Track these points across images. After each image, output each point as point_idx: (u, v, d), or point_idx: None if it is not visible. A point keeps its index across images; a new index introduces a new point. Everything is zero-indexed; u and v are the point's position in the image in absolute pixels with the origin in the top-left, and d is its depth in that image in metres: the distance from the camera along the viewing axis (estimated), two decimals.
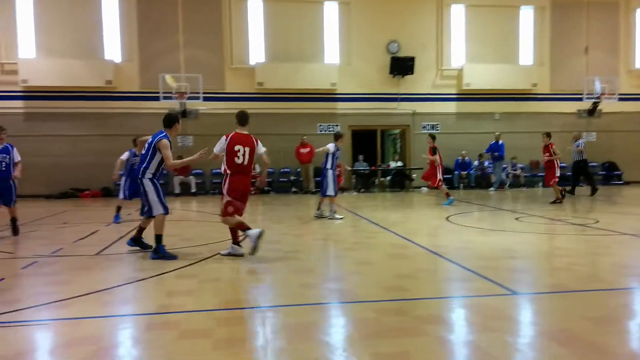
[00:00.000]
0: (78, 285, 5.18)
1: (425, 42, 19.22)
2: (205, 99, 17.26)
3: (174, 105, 17.42)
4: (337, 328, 3.90)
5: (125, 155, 10.28)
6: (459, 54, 19.69)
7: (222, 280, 5.41)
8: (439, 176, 12.88)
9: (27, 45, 17.20)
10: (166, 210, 6.77)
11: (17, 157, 8.63)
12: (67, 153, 17.16)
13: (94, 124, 17.30)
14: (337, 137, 10.55)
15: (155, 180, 6.72)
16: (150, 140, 6.78)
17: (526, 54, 20.16)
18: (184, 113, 17.75)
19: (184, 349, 3.44)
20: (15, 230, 8.56)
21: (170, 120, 6.80)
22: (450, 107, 19.60)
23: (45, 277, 5.72)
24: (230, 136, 6.49)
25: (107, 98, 17.39)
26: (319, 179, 12.89)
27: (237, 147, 6.43)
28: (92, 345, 3.53)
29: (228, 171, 6.49)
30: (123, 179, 10.38)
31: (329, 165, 10.35)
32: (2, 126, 8.58)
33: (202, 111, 17.96)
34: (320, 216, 10.47)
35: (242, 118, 6.67)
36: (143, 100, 17.49)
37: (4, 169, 8.44)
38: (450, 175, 19.06)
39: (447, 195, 12.96)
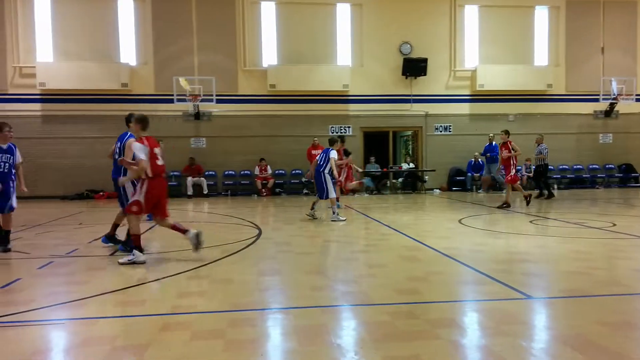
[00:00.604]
0: (93, 286, 5.24)
1: (438, 43, 19.14)
2: (218, 101, 17.37)
3: (187, 107, 17.58)
4: (349, 331, 3.89)
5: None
6: (472, 54, 19.58)
7: (234, 282, 5.42)
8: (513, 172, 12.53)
9: (45, 49, 17.47)
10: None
11: (19, 158, 7.53)
12: (84, 155, 17.36)
13: (109, 126, 17.43)
14: (332, 142, 10.66)
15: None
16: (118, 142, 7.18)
17: (541, 55, 19.98)
18: (197, 115, 17.89)
19: (196, 349, 3.46)
20: (4, 243, 7.29)
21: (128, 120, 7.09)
22: (464, 108, 19.49)
23: (61, 277, 5.79)
24: (145, 140, 6.46)
25: (123, 100, 17.55)
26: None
27: (156, 150, 6.50)
28: (107, 345, 3.57)
29: (149, 174, 6.36)
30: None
31: (327, 170, 10.35)
32: (7, 123, 7.47)
33: (215, 113, 18.07)
34: (312, 216, 10.53)
35: (147, 122, 6.75)
36: (158, 102, 17.65)
37: (5, 170, 7.29)
38: (463, 177, 18.96)
39: (526, 197, 12.68)
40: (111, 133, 17.35)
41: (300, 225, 9.94)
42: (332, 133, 18.63)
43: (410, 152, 21.08)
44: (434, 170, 18.99)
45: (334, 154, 10.37)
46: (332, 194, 10.36)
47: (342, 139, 13.43)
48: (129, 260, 6.28)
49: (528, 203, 12.75)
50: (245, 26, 18.25)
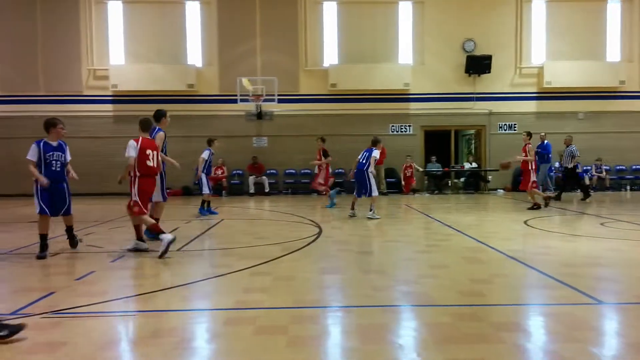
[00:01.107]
0: (161, 280, 5.48)
1: (503, 39, 18.53)
2: (280, 100, 17.63)
3: (250, 107, 17.96)
4: (410, 331, 3.86)
5: (205, 154, 11.49)
6: (539, 50, 18.81)
7: (296, 279, 5.50)
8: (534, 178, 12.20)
9: (117, 52, 18.42)
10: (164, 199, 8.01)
11: (68, 156, 7.00)
12: None
13: (176, 126, 18.07)
14: (375, 142, 10.77)
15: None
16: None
17: (613, 50, 18.90)
18: (259, 115, 18.25)
19: (260, 344, 3.55)
20: (72, 242, 7.24)
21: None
22: (530, 106, 18.78)
23: (131, 270, 6.10)
24: (139, 141, 6.90)
25: (189, 101, 18.22)
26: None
27: (147, 151, 6.89)
28: (175, 337, 3.72)
29: (138, 173, 6.84)
30: (203, 175, 11.41)
31: (370, 169, 10.46)
32: (59, 118, 7.08)
33: (277, 113, 18.37)
34: (353, 215, 10.66)
35: (147, 124, 7.23)
36: (222, 102, 18.17)
37: (58, 169, 6.84)
38: None
39: (546, 199, 12.37)
40: (177, 132, 18.03)
41: (360, 224, 9.93)
42: (392, 132, 18.50)
43: (473, 151, 20.55)
44: (497, 170, 18.38)
45: (376, 154, 10.52)
46: (375, 192, 10.53)
47: (322, 139, 13.69)
48: (134, 246, 6.95)
49: (547, 205, 12.22)
50: (307, 26, 18.44)
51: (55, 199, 6.80)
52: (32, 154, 6.66)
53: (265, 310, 4.33)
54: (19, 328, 3.64)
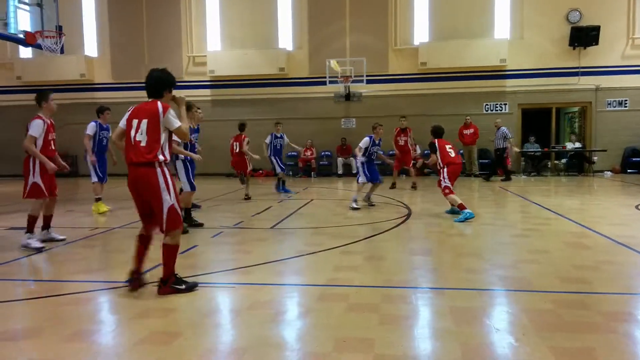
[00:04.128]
0: (257, 255, 5.70)
1: (613, 8, 16.98)
2: (368, 81, 17.47)
3: (338, 89, 17.99)
4: (508, 316, 3.71)
5: (268, 139, 12.38)
6: None
7: (386, 259, 5.49)
8: None
9: (214, 39, 19.19)
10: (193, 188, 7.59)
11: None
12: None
13: (267, 109, 18.63)
14: (373, 127, 9.77)
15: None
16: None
17: None
18: (348, 96, 18.23)
19: (353, 320, 3.59)
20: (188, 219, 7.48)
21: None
22: None
23: (230, 245, 6.40)
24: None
25: (280, 84, 18.61)
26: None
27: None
28: (271, 310, 3.88)
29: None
30: (272, 157, 12.35)
31: (359, 155, 9.68)
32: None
33: (365, 94, 18.26)
34: (371, 204, 9.74)
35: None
36: (311, 85, 18.35)
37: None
38: None
39: None
40: (269, 115, 18.58)
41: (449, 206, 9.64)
42: (487, 111, 17.72)
43: (577, 130, 19.17)
44: (604, 150, 17.04)
45: (365, 141, 9.62)
46: (362, 180, 9.59)
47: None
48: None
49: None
50: (397, 5, 18.03)
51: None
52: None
53: (356, 288, 4.37)
54: (194, 285, 4.36)
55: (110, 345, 3.33)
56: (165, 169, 4.20)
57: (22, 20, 12.13)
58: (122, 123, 4.29)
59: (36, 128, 6.07)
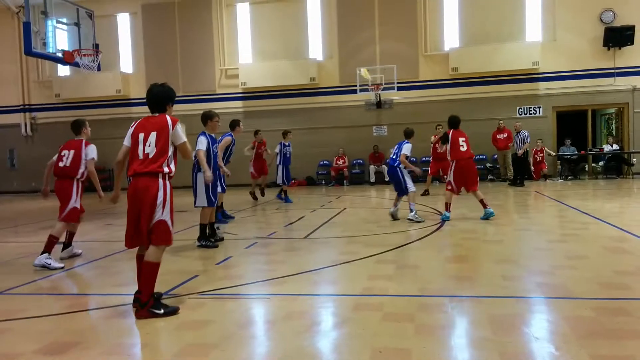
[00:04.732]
0: (291, 265, 5.76)
1: None
2: (399, 88, 17.43)
3: (369, 97, 18.01)
4: (547, 324, 3.66)
5: (277, 148, 12.70)
6: None
7: (421, 268, 5.47)
8: None
9: (245, 51, 19.51)
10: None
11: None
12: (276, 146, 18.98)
13: (299, 118, 18.78)
14: (408, 134, 8.98)
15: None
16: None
17: None
18: (379, 104, 18.23)
19: (388, 330, 3.60)
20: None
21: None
22: None
23: (264, 256, 6.48)
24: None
25: (311, 94, 18.76)
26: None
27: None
28: (306, 320, 3.92)
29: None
30: (280, 166, 12.60)
31: (404, 165, 8.84)
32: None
33: (396, 101, 18.22)
34: (394, 214, 9.04)
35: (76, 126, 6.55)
36: (342, 94, 18.43)
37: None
38: None
39: None
40: (301, 125, 18.74)
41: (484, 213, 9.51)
42: (520, 115, 17.43)
43: (614, 131, 18.64)
44: None
45: (407, 148, 8.75)
46: (412, 189, 8.81)
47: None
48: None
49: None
50: (427, 11, 17.99)
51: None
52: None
53: (391, 298, 4.37)
54: (174, 310, 4.12)
55: (148, 358, 3.43)
56: (168, 183, 4.14)
57: (60, 40, 12.60)
58: (127, 140, 4.24)
59: (95, 151, 6.39)
